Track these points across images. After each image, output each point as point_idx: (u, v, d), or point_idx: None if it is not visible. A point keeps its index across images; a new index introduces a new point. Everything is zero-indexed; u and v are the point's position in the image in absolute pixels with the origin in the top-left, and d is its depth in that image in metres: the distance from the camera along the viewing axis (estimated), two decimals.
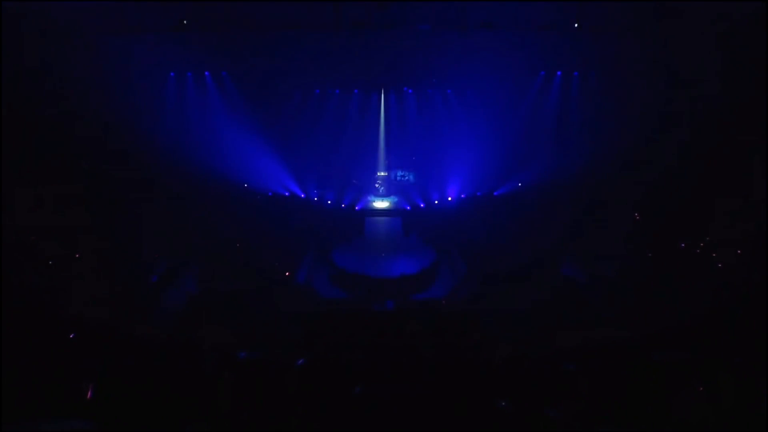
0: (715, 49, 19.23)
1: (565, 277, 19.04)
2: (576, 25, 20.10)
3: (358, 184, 27.26)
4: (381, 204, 25.87)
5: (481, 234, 22.42)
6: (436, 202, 25.18)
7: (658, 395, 5.74)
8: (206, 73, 24.59)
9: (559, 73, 24.68)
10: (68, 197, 19.95)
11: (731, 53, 18.68)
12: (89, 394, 5.98)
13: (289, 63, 22.94)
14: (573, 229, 22.21)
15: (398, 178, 27.40)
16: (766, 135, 18.19)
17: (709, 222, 19.28)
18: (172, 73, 24.30)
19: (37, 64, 18.87)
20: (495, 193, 25.25)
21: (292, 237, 22.04)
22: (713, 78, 19.73)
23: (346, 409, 6.72)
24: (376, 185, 26.70)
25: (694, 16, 18.57)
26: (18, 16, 17.20)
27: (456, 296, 18.51)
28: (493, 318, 16.43)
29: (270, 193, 25.25)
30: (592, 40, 21.25)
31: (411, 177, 27.52)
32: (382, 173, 26.94)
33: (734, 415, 5.16)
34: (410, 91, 26.84)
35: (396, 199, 26.34)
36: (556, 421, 5.26)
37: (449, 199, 25.35)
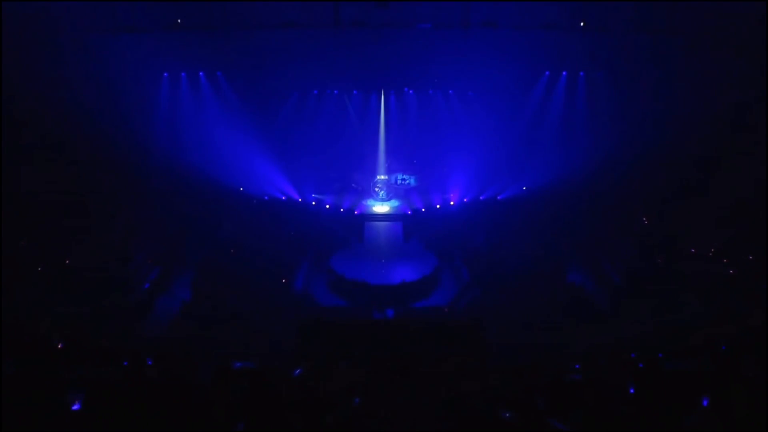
0: (725, 49, 19.33)
1: (571, 284, 19.04)
2: (582, 23, 20.20)
3: (357, 188, 27.29)
4: (381, 208, 25.89)
5: (484, 239, 22.42)
6: (438, 206, 25.18)
7: (668, 406, 5.75)
8: (201, 73, 24.66)
9: (564, 73, 24.75)
10: (57, 199, 20.00)
11: (743, 54, 18.77)
12: (78, 406, 5.99)
13: (286, 63, 23.01)
14: (579, 234, 22.24)
15: (398, 181, 27.43)
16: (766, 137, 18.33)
17: (721, 227, 19.31)
18: (165, 74, 24.36)
19: (26, 64, 18.93)
20: (499, 197, 25.27)
21: (289, 242, 22.05)
22: (726, 80, 19.81)
23: (345, 420, 6.73)
24: (376, 189, 26.72)
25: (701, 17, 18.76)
26: (8, 16, 17.29)
27: (458, 304, 18.50)
28: (496, 326, 16.44)
29: (266, 197, 25.27)
30: (599, 40, 21.31)
31: (412, 180, 27.55)
32: (382, 176, 26.96)
33: (745, 427, 5.18)
34: (411, 91, 26.91)
35: (396, 204, 26.36)
36: None
37: (451, 203, 25.36)
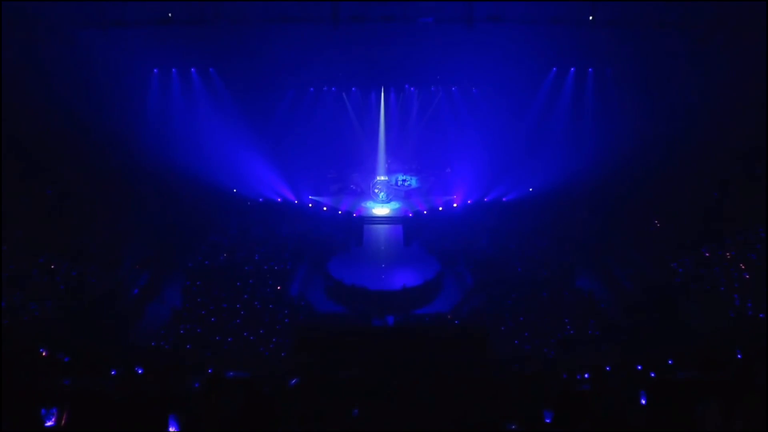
0: (739, 44, 19.38)
1: (580, 290, 19.06)
2: (590, 17, 20.24)
3: (356, 189, 27.33)
4: (381, 210, 25.94)
5: (489, 243, 22.45)
6: (441, 208, 25.22)
7: (678, 418, 5.76)
8: (192, 69, 24.69)
9: (572, 69, 24.78)
10: (42, 200, 19.98)
11: (756, 48, 18.80)
12: (63, 420, 5.99)
13: (282, 59, 23.07)
14: (588, 237, 22.25)
15: (399, 182, 27.48)
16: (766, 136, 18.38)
17: (736, 229, 19.30)
18: (155, 70, 24.40)
19: (7, 59, 18.90)
20: (504, 199, 25.30)
21: (285, 246, 22.07)
22: (740, 76, 19.84)
23: None
24: (376, 190, 26.77)
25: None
26: None
27: (462, 310, 18.52)
28: (502, 334, 16.47)
29: (261, 199, 25.30)
30: (609, 34, 21.32)
31: (413, 181, 27.60)
32: (382, 177, 27.02)
33: None
34: (412, 88, 26.96)
35: (397, 206, 26.40)
36: None
37: (454, 205, 25.40)
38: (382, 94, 26.64)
